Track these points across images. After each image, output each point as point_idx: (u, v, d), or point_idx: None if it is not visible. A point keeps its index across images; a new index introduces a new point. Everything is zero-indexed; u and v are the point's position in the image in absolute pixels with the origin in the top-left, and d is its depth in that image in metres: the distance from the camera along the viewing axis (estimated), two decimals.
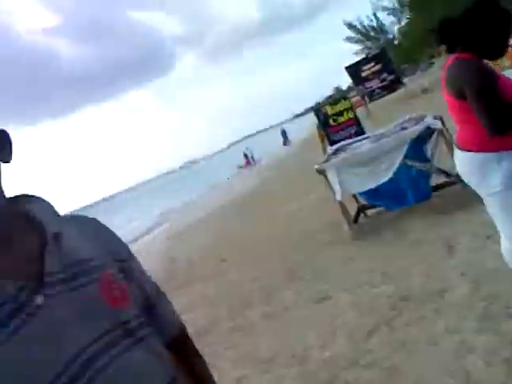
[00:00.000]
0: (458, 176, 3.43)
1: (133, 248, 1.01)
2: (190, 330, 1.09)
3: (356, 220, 5.88)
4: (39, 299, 0.75)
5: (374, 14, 44.07)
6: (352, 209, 5.87)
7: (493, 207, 2.46)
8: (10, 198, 0.88)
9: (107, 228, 0.98)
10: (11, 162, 0.86)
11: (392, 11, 41.55)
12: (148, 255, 10.22)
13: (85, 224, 0.95)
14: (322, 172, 5.44)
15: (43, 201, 0.91)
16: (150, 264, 7.86)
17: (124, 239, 0.98)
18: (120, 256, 0.94)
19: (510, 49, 5.90)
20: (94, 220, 0.98)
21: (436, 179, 5.44)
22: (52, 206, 0.91)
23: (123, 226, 20.84)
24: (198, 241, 10.28)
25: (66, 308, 0.76)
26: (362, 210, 6.05)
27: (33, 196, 0.92)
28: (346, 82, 67.62)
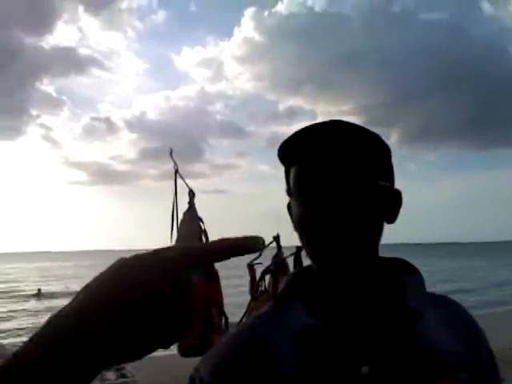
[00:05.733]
0: None
1: None
2: None
3: None
4: (365, 369, 0.75)
5: None
6: None
7: None
8: (387, 258, 0.88)
9: (474, 322, 0.89)
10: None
11: None
12: None
13: (452, 310, 0.88)
14: None
15: (418, 273, 0.88)
16: None
17: None
18: (479, 361, 0.83)
19: None
20: (462, 308, 0.90)
21: None
22: (423, 282, 0.87)
23: None
24: None
25: None
26: None
27: (410, 265, 0.89)
28: None
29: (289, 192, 0.86)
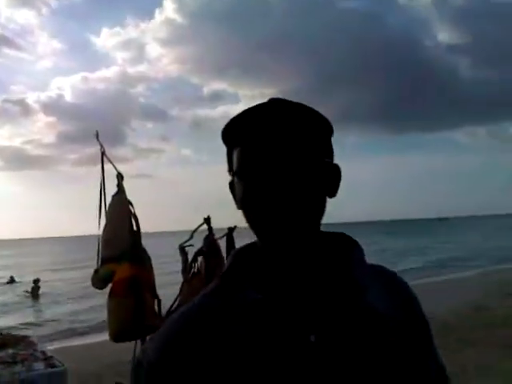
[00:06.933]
0: None
1: None
2: None
3: None
4: (312, 337, 0.77)
5: None
6: None
7: None
8: (329, 233, 0.90)
9: (409, 288, 0.93)
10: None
11: None
12: None
13: (388, 278, 0.92)
14: None
15: (358, 245, 0.90)
16: None
17: None
18: (414, 326, 0.87)
19: None
20: (396, 275, 0.94)
21: None
22: (363, 253, 0.90)
23: None
24: None
25: (336, 355, 0.77)
26: None
27: (350, 238, 0.91)
28: None
29: (231, 172, 0.85)
